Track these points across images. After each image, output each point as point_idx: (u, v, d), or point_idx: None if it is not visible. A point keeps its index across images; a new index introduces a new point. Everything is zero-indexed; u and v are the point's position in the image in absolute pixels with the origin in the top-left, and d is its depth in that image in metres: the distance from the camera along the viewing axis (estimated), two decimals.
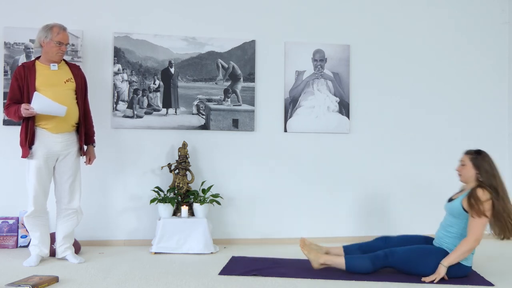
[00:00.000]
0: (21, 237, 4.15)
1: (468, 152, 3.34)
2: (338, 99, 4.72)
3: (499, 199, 3.14)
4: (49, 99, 3.41)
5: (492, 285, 3.10)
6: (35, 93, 3.41)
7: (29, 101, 3.45)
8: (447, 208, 3.35)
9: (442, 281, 3.14)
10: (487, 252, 4.22)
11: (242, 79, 4.59)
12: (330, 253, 3.47)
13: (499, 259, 3.91)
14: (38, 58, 3.63)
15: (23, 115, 3.41)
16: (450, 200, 3.39)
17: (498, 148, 4.97)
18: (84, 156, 3.81)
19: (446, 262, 3.11)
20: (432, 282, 3.11)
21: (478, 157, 3.25)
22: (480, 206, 3.09)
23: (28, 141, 3.46)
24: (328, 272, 3.28)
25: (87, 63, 4.34)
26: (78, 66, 3.81)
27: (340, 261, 3.27)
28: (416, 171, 4.84)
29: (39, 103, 3.39)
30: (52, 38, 3.53)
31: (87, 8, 4.38)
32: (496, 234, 3.20)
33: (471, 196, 3.14)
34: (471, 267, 3.26)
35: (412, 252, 3.22)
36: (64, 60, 3.71)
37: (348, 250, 3.49)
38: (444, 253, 3.19)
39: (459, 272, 3.20)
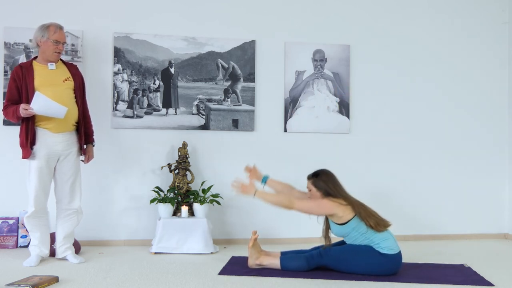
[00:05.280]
0: (21, 237, 4.15)
1: (308, 178, 3.50)
2: (338, 99, 4.72)
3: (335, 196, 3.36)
4: (50, 99, 3.39)
5: (492, 285, 3.09)
6: (36, 93, 3.38)
7: (28, 102, 3.42)
8: (338, 235, 3.43)
9: (442, 280, 3.14)
10: (486, 252, 4.22)
11: (242, 79, 4.59)
12: (269, 254, 3.53)
13: (499, 259, 3.91)
14: (35, 58, 3.62)
15: (22, 115, 3.39)
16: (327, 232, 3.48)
17: (498, 148, 4.98)
18: (83, 155, 3.80)
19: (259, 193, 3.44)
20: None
21: (316, 180, 3.41)
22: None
23: (29, 142, 3.44)
24: (329, 272, 3.29)
25: (87, 63, 4.34)
26: (76, 65, 3.80)
27: (275, 262, 3.39)
28: (416, 171, 4.84)
29: (40, 103, 3.36)
30: (49, 37, 3.52)
31: (87, 8, 4.38)
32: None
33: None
34: (398, 253, 3.30)
35: (343, 252, 3.33)
36: (61, 59, 3.69)
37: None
38: (373, 251, 3.24)
39: (386, 263, 3.24)
